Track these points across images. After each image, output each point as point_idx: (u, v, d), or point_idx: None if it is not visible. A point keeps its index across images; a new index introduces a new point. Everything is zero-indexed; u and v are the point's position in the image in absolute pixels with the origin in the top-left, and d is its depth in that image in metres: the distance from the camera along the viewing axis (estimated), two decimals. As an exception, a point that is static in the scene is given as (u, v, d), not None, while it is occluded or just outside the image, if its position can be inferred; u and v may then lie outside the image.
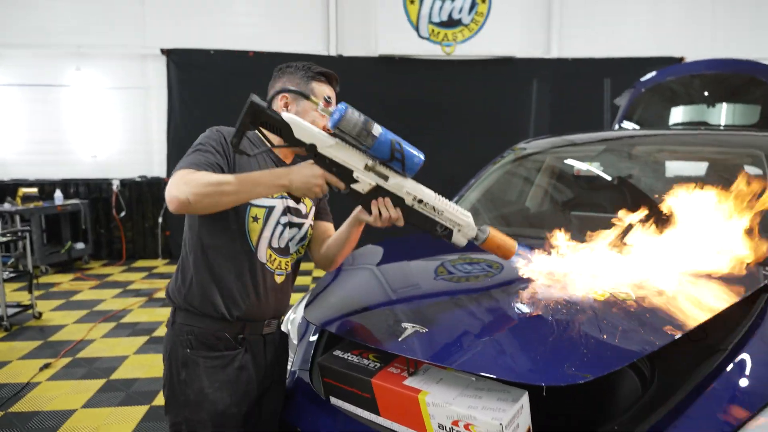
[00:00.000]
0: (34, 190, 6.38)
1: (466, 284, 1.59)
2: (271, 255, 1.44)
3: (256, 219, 1.39)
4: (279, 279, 1.47)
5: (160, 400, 3.02)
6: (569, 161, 2.82)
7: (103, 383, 3.25)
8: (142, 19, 6.86)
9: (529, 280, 1.45)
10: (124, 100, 7.02)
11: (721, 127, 3.38)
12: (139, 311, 4.79)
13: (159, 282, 5.88)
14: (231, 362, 1.41)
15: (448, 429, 1.18)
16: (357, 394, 1.35)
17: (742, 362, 1.23)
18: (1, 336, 4.09)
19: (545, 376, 1.08)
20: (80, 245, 6.75)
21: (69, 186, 6.97)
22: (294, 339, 1.78)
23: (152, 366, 3.52)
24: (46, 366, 3.49)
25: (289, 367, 1.65)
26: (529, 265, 1.46)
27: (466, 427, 1.14)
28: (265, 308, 1.45)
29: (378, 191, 1.31)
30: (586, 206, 2.70)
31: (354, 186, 1.30)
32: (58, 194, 6.45)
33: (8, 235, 4.38)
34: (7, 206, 5.93)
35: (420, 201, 1.32)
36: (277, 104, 1.43)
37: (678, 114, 3.87)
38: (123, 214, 7.03)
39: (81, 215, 6.77)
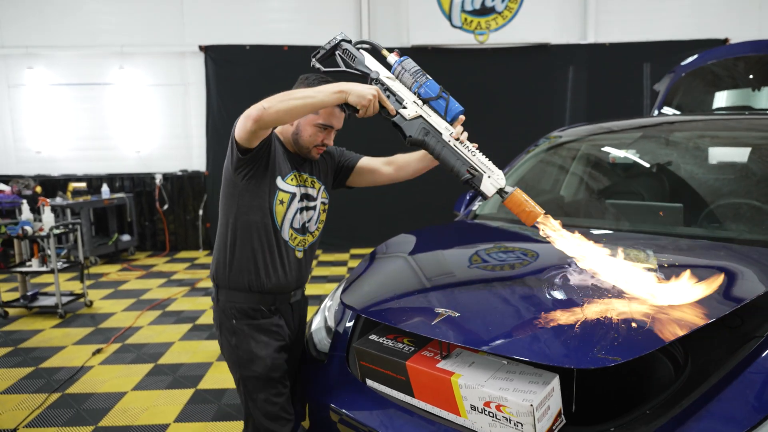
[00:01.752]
0: (83, 184, 6.68)
1: (499, 272, 1.62)
2: (292, 234, 1.67)
3: (282, 202, 1.63)
4: (299, 255, 1.70)
5: (205, 383, 3.16)
6: (605, 149, 2.78)
7: (151, 367, 3.42)
8: (180, 18, 7.05)
9: (561, 267, 1.47)
10: (165, 96, 7.25)
11: None
12: (182, 300, 4.99)
13: (201, 272, 6.09)
14: (269, 325, 1.67)
15: (480, 410, 1.22)
16: (392, 376, 1.40)
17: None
18: (57, 323, 4.33)
19: (576, 359, 1.10)
20: (126, 237, 7.05)
21: (115, 180, 7.27)
22: (331, 324, 1.85)
23: (196, 351, 3.68)
24: (98, 351, 3.69)
25: (311, 334, 1.90)
26: (563, 248, 1.48)
27: (498, 408, 1.18)
28: (291, 280, 1.69)
29: (420, 121, 1.46)
30: (623, 194, 2.67)
31: (401, 111, 1.46)
32: (105, 188, 6.73)
33: (61, 227, 4.61)
34: (59, 200, 6.24)
35: (457, 139, 1.44)
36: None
37: (721, 99, 3.75)
38: (166, 207, 7.28)
39: (126, 208, 7.06)
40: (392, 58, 1.52)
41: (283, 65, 6.68)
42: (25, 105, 7.19)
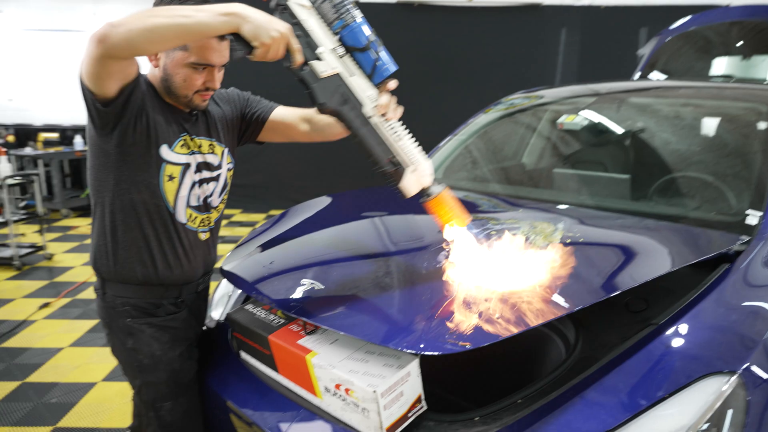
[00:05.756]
0: (55, 135, 6.51)
1: (387, 245, 1.49)
2: (191, 214, 1.37)
3: (171, 178, 1.32)
4: (203, 236, 1.43)
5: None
6: (562, 113, 2.61)
7: (94, 324, 3.34)
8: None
9: (448, 248, 1.34)
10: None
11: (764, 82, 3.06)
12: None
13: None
14: (174, 321, 1.40)
15: (332, 392, 1.11)
16: (259, 350, 1.30)
17: (665, 340, 1.10)
18: (12, 275, 4.26)
19: (420, 344, 0.98)
20: (101, 191, 6.93)
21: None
22: (229, 290, 1.73)
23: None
24: (46, 305, 3.61)
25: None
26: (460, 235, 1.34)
27: (347, 391, 1.07)
28: (196, 268, 1.42)
29: (337, 83, 1.07)
30: (580, 164, 2.52)
31: (314, 63, 1.05)
32: (78, 140, 6.56)
33: (18, 178, 4.49)
34: (28, 150, 6.10)
35: (383, 115, 1.09)
36: None
37: (707, 65, 3.55)
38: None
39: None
40: None
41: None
42: (-3, 50, 6.96)
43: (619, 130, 2.34)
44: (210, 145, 1.41)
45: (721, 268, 1.32)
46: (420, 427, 1.09)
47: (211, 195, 1.41)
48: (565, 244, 1.30)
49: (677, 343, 1.10)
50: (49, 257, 4.66)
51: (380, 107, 1.09)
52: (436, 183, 1.14)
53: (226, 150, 1.46)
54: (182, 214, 1.35)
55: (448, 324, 1.01)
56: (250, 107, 1.52)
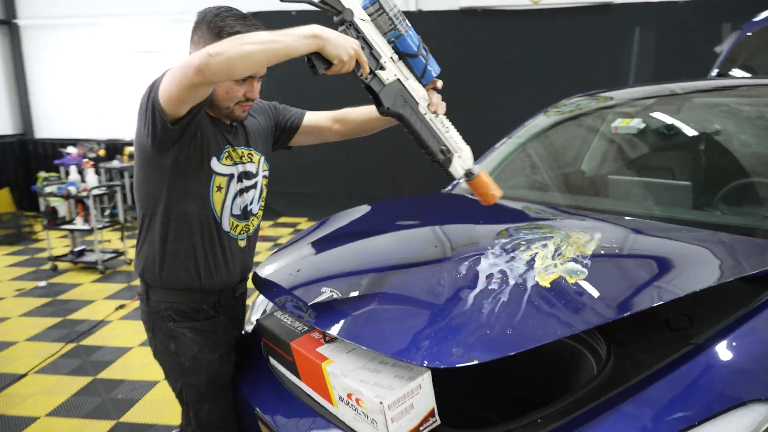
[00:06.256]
0: (139, 148, 6.99)
1: (414, 254, 1.45)
2: (233, 223, 1.43)
3: (219, 189, 1.37)
4: (242, 243, 1.47)
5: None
6: (620, 117, 2.47)
7: (162, 326, 3.55)
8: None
9: (478, 253, 1.30)
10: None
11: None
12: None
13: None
14: (214, 325, 1.45)
15: (345, 402, 1.11)
16: (284, 356, 1.32)
17: (701, 361, 1.01)
18: (96, 278, 4.62)
19: (426, 357, 0.96)
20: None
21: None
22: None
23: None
24: (121, 306, 3.89)
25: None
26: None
27: (357, 401, 1.06)
28: (234, 274, 1.46)
29: (398, 88, 1.21)
30: (631, 170, 2.35)
31: (379, 73, 1.18)
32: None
33: (104, 188, 4.88)
34: (115, 163, 6.61)
35: (434, 112, 1.25)
36: None
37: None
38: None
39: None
40: None
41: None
42: (94, 70, 7.60)
43: (685, 132, 2.18)
44: (249, 154, 1.45)
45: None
46: (435, 443, 1.06)
47: (251, 203, 1.46)
48: (598, 255, 1.23)
49: (716, 365, 1.00)
50: (129, 262, 5.01)
51: (432, 105, 1.24)
52: (475, 165, 1.28)
53: (262, 158, 1.50)
54: (227, 223, 1.40)
55: (458, 337, 0.98)
56: (282, 115, 1.58)
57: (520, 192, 2.15)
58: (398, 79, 1.20)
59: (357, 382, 1.07)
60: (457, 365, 0.92)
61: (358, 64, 1.14)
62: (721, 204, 1.89)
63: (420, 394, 1.05)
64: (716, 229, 1.46)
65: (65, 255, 4.98)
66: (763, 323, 1.08)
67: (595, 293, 1.07)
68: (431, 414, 1.08)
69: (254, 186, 1.47)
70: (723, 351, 1.02)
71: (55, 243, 5.60)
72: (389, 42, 1.19)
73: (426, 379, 1.06)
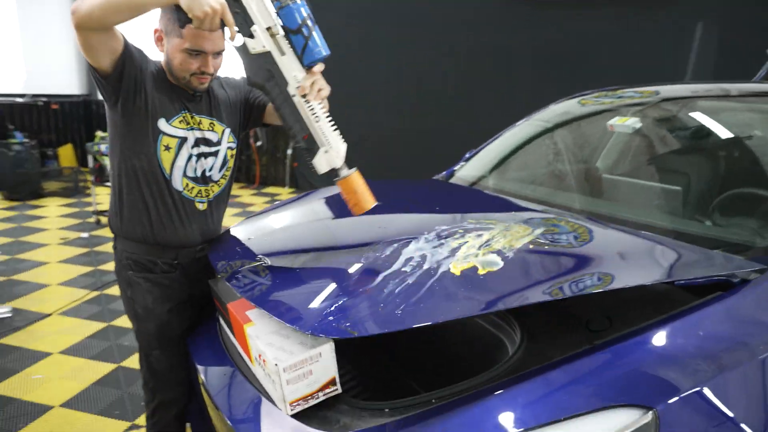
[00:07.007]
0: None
1: (354, 239, 1.50)
2: (187, 184, 1.53)
3: (167, 148, 1.48)
4: (201, 206, 1.58)
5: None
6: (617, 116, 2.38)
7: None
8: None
9: (412, 237, 1.34)
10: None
11: None
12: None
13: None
14: (169, 280, 1.58)
15: (258, 362, 1.19)
16: (225, 316, 1.41)
17: (593, 362, 1.01)
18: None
19: (314, 326, 1.02)
20: (223, 168, 7.68)
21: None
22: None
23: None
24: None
25: None
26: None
27: (264, 362, 1.14)
28: (191, 235, 1.57)
29: (266, 60, 1.18)
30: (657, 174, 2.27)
31: (247, 41, 1.16)
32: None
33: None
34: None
35: (304, 96, 1.20)
36: None
37: None
38: (259, 143, 7.76)
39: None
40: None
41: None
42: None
43: (679, 139, 2.09)
44: (210, 123, 1.55)
45: (711, 296, 1.16)
46: (333, 410, 1.12)
47: (210, 169, 1.56)
48: (525, 250, 1.24)
49: (599, 367, 1.00)
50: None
51: (302, 88, 1.18)
52: (346, 166, 1.22)
53: (228, 130, 1.59)
54: (178, 182, 1.51)
55: (351, 312, 1.04)
56: (253, 93, 1.65)
57: (518, 185, 2.14)
58: (268, 52, 1.17)
59: (265, 345, 1.14)
60: (339, 337, 0.98)
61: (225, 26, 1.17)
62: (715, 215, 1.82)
63: (320, 362, 1.11)
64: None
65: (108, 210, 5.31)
66: (670, 332, 1.06)
67: (498, 285, 1.09)
68: (332, 383, 1.14)
69: (214, 154, 1.56)
70: (613, 354, 1.02)
71: (103, 198, 5.99)
72: (277, 11, 1.15)
73: (327, 350, 1.12)
